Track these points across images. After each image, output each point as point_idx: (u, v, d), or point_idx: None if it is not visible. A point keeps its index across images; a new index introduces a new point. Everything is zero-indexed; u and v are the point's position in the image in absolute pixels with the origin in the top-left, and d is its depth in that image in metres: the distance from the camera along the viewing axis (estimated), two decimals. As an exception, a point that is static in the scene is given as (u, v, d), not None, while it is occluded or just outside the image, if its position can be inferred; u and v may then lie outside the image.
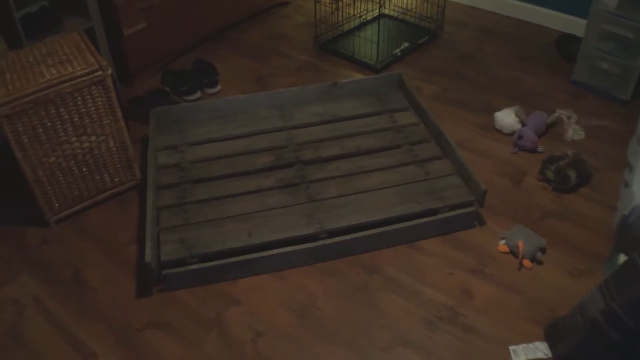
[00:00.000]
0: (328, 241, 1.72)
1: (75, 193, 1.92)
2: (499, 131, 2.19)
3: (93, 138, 1.86)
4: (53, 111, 1.75)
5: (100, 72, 1.75)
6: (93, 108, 1.81)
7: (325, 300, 1.66)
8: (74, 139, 1.83)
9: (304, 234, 1.74)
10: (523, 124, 2.14)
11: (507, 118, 2.16)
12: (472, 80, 2.50)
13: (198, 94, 2.44)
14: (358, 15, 2.79)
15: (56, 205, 1.90)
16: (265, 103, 2.23)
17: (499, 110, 2.23)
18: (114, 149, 1.92)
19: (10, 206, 2.01)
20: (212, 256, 1.71)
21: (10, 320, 1.65)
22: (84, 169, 1.89)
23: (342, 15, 2.71)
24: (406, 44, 2.63)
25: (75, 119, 1.80)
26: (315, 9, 2.62)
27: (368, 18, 2.84)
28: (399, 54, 2.58)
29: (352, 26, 2.77)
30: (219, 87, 2.47)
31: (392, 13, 2.88)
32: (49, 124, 1.76)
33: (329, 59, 2.65)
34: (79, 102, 1.78)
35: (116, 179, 1.98)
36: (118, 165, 1.96)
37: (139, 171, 2.03)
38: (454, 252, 1.78)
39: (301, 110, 2.21)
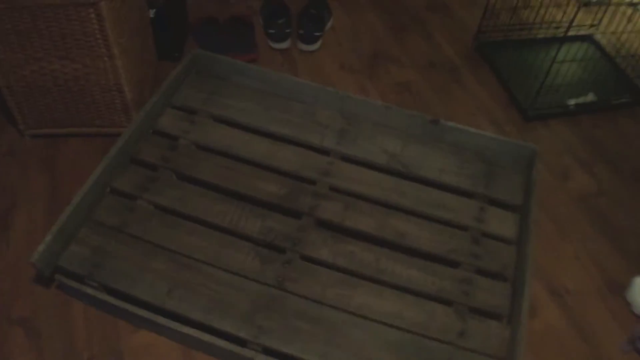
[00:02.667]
0: (259, 358, 1.17)
1: (54, 115, 1.53)
2: (628, 303, 1.37)
3: (79, 67, 1.41)
4: (28, 19, 1.31)
5: (86, -5, 1.26)
6: (80, 33, 1.34)
7: None
8: (54, 59, 1.39)
9: (231, 333, 1.20)
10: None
11: (649, 297, 1.33)
12: (654, 196, 1.60)
13: (286, 44, 1.84)
14: (552, 24, 1.89)
15: (29, 120, 1.54)
16: (333, 105, 1.58)
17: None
18: (106, 87, 1.47)
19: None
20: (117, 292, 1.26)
21: None
22: (66, 95, 1.48)
23: (530, 15, 1.84)
24: (591, 97, 1.73)
25: (56, 38, 1.35)
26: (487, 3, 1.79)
27: (564, 34, 1.69)
28: (572, 106, 1.71)
29: (536, 36, 1.89)
30: (317, 46, 1.84)
31: (604, 41, 1.93)
32: (24, 31, 1.33)
33: (480, 69, 1.85)
34: (62, 19, 1.31)
35: (106, 119, 1.55)
36: (110, 106, 1.52)
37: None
38: None
39: (371, 136, 1.53)
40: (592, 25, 1.95)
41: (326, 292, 1.26)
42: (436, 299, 1.27)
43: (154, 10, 1.79)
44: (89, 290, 1.24)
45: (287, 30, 1.82)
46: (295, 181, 1.44)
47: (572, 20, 1.54)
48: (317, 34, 1.82)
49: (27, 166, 1.53)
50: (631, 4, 1.94)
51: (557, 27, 1.87)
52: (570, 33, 1.80)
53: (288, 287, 1.26)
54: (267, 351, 1.18)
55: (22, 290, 1.30)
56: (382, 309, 1.24)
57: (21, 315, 1.27)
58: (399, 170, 1.47)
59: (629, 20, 1.89)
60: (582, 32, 1.95)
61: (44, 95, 1.47)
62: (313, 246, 1.32)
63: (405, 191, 1.43)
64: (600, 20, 1.93)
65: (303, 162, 1.47)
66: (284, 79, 1.58)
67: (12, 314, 1.27)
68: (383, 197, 1.41)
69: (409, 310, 1.24)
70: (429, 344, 1.20)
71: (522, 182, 1.46)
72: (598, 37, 1.94)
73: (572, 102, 1.70)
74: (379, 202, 1.41)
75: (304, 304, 1.24)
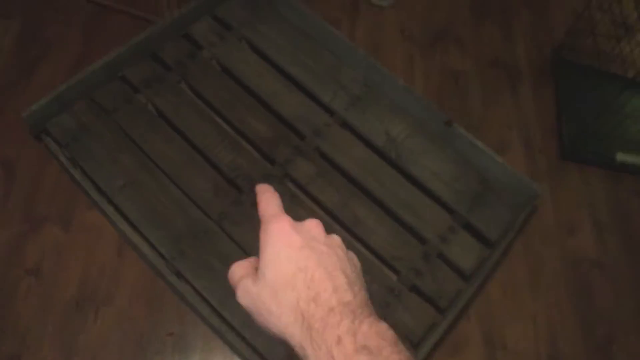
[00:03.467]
0: (170, 278, 1.23)
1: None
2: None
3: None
4: None
5: None
6: None
7: (119, 309, 1.24)
8: None
9: (157, 249, 1.26)
10: None
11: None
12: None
13: (359, -10, 1.76)
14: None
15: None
16: (360, 67, 1.51)
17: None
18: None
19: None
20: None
21: None
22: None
23: (630, 46, 1.60)
24: (648, 161, 1.52)
25: None
26: (584, 12, 1.56)
27: (632, 79, 1.51)
28: (618, 163, 1.51)
29: (626, 73, 1.62)
30: (388, 2, 1.73)
31: None
32: None
33: (543, 85, 1.66)
34: None
35: (152, 7, 1.59)
36: (155, -4, 1.55)
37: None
38: None
39: (381, 113, 1.45)
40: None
41: (256, 243, 1.26)
42: (355, 296, 1.24)
43: None
44: (62, 159, 1.34)
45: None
46: (286, 129, 1.42)
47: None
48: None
49: (71, 25, 1.61)
50: None
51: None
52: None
53: (225, 226, 1.29)
54: (178, 275, 1.23)
55: (17, 136, 1.41)
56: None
57: (7, 157, 1.40)
58: (391, 157, 1.41)
59: None
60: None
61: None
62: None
63: (385, 180, 1.37)
64: None
65: (303, 114, 1.44)
66: (325, 28, 1.52)
67: (0, 153, 1.41)
68: (359, 177, 1.37)
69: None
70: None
71: (509, 219, 1.35)
72: None
73: (619, 156, 1.51)
74: (353, 181, 1.37)
75: (231, 248, 1.26)
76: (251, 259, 0.49)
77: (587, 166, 1.53)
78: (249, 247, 1.27)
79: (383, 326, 0.43)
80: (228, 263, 1.22)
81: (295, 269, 0.46)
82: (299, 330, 0.43)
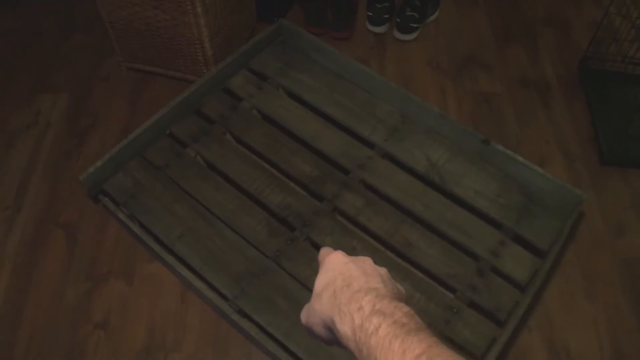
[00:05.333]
0: (234, 316, 1.27)
1: (147, 54, 1.70)
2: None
3: (168, 17, 1.55)
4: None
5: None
6: (170, -13, 1.48)
7: (187, 354, 1.28)
8: (149, 7, 1.55)
9: (219, 291, 1.31)
10: None
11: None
12: None
13: (382, 29, 1.83)
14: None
15: (126, 54, 1.73)
16: (394, 101, 1.57)
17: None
18: (191, 40, 1.59)
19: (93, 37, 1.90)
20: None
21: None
22: (157, 39, 1.64)
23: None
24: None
25: (151, -13, 1.50)
26: (603, 20, 1.60)
27: None
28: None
29: None
30: (412, 37, 1.81)
31: None
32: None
33: (574, 98, 1.70)
34: (155, -29, 1.46)
35: (190, 67, 1.69)
36: (193, 57, 1.65)
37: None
38: None
39: (420, 141, 1.51)
40: None
41: (314, 277, 1.30)
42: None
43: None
44: (121, 216, 1.41)
45: (385, 16, 1.81)
46: (330, 167, 1.48)
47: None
48: (414, 25, 1.78)
49: (116, 94, 1.73)
50: None
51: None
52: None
53: (282, 263, 1.33)
54: (241, 313, 1.27)
55: (75, 200, 1.51)
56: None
57: (67, 221, 1.49)
58: (434, 181, 1.45)
59: None
60: None
61: (138, 36, 1.65)
62: (320, 232, 1.37)
63: (431, 204, 1.41)
64: None
65: (345, 150, 1.50)
66: (356, 66, 1.60)
67: (61, 218, 1.49)
68: (406, 204, 1.41)
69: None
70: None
71: (557, 227, 1.37)
72: None
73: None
74: (401, 208, 1.41)
75: (290, 283, 1.31)
76: None
77: (628, 168, 1.54)
78: (307, 280, 1.31)
79: (403, 304, 0.49)
80: (289, 297, 1.29)
81: (337, 273, 0.53)
82: (334, 311, 0.50)
